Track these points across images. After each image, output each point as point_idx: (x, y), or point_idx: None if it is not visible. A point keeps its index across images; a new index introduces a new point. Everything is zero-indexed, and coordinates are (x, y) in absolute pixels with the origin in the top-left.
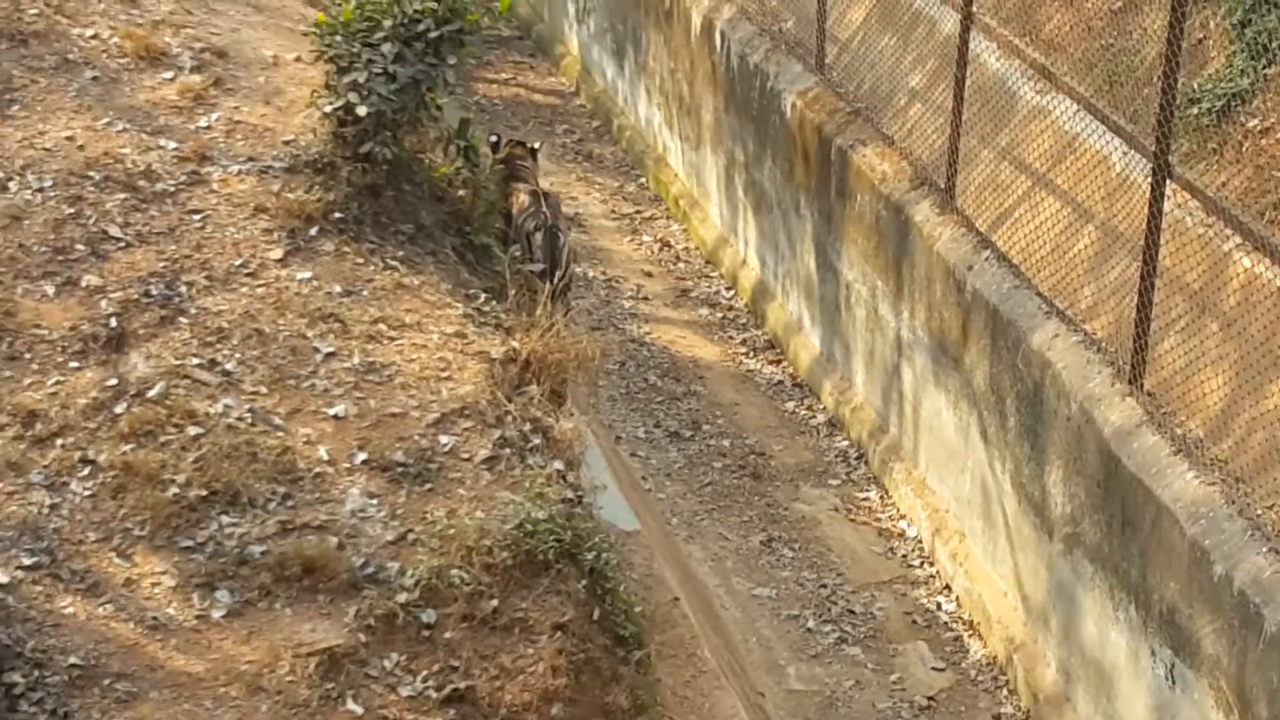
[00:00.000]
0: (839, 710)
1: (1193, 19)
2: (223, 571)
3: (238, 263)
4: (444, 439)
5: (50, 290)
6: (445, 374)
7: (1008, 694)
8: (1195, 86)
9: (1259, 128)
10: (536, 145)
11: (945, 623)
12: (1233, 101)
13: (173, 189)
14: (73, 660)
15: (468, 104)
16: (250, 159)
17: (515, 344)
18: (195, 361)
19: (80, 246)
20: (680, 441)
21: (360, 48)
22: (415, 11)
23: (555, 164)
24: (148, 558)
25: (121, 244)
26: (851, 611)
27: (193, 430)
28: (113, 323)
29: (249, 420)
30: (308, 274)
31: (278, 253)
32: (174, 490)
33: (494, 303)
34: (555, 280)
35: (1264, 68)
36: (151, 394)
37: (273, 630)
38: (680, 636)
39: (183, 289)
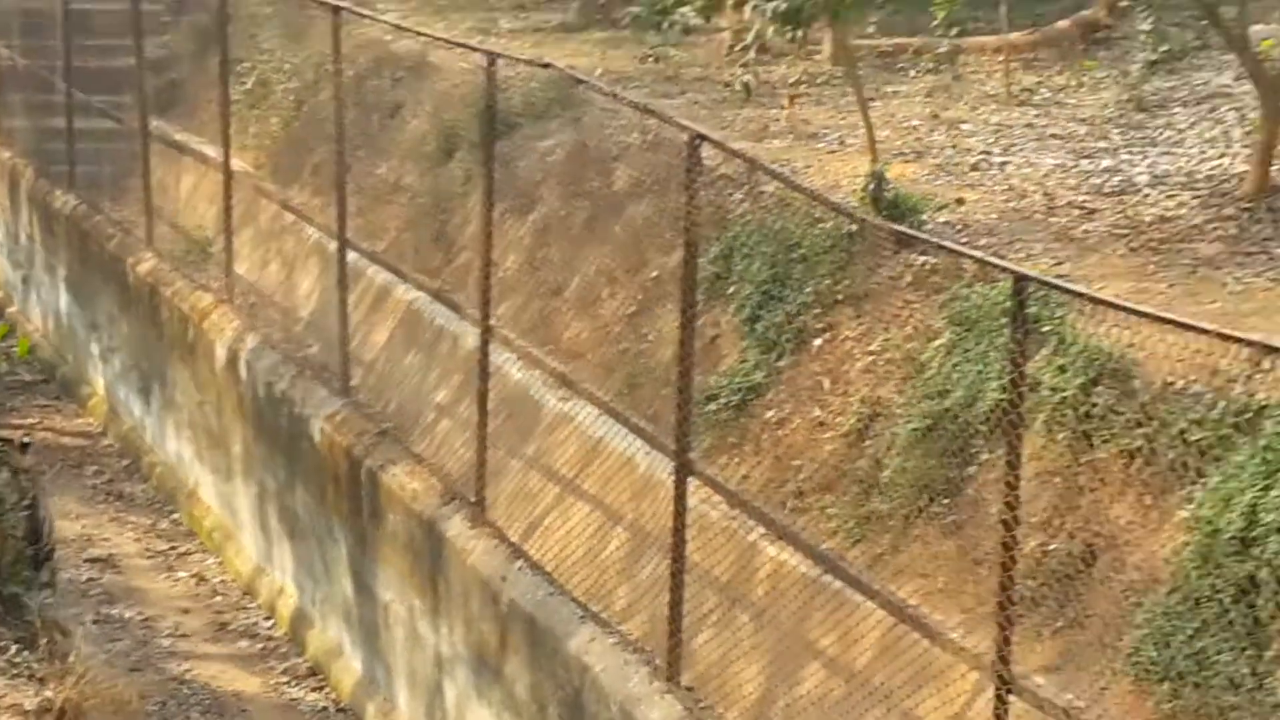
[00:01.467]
0: None
1: (704, 318)
2: None
3: None
4: None
5: None
6: None
7: None
8: (712, 383)
9: (775, 419)
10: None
11: None
12: (749, 395)
13: None
14: None
15: None
16: None
17: (50, 694)
18: None
19: None
20: None
21: None
22: None
23: (85, 506)
24: None
25: None
26: None
27: None
28: None
29: None
30: None
31: None
32: None
33: (25, 653)
34: (38, 548)
35: (775, 360)
36: None
37: None
38: None
39: None
